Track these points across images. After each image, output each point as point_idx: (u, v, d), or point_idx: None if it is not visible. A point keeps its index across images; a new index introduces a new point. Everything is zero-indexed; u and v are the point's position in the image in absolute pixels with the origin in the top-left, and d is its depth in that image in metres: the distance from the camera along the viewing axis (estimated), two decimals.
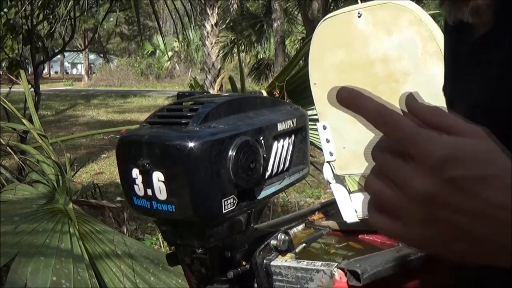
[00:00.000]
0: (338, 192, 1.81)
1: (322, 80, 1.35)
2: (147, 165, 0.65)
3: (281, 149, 0.80)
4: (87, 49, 28.97)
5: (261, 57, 15.39)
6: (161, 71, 30.46)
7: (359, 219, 1.74)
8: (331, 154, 1.84)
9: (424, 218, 0.39)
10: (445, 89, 0.72)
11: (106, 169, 7.03)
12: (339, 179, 1.84)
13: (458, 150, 0.39)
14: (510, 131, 0.53)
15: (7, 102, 2.54)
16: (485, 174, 0.38)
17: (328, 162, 1.83)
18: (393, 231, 0.42)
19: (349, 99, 0.43)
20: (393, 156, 0.41)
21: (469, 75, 0.62)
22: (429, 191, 0.38)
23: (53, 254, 1.63)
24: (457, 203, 0.38)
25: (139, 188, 0.68)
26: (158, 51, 30.79)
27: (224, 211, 0.68)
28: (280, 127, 0.78)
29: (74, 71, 44.50)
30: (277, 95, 2.79)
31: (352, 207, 1.79)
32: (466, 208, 0.38)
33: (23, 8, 3.87)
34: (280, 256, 0.86)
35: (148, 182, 0.66)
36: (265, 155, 0.74)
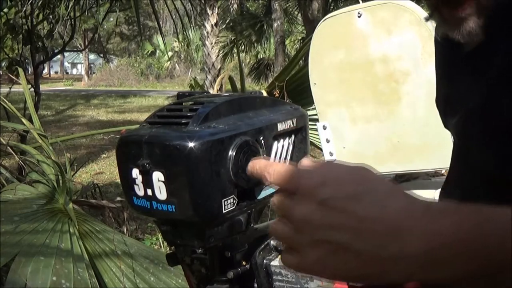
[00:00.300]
0: None
1: (322, 80, 1.35)
2: (147, 165, 0.65)
3: (281, 149, 0.80)
4: (87, 49, 28.99)
5: (261, 57, 15.39)
6: (161, 71, 30.46)
7: None
8: (331, 154, 1.84)
9: (309, 243, 0.42)
10: (438, 101, 0.72)
11: (106, 169, 7.03)
12: None
13: (328, 176, 0.43)
14: (507, 135, 0.53)
15: (7, 102, 2.54)
16: (355, 192, 0.41)
17: None
18: (295, 264, 0.44)
19: (250, 170, 0.51)
20: (283, 198, 0.45)
21: (465, 83, 0.62)
22: (305, 215, 0.42)
23: (53, 254, 1.63)
24: (330, 221, 0.40)
25: (139, 188, 0.68)
26: (158, 51, 30.78)
27: (224, 211, 0.68)
28: (280, 127, 0.78)
29: (74, 71, 44.50)
30: (277, 95, 2.80)
31: None
32: (340, 225, 0.40)
33: (23, 8, 3.87)
34: (280, 256, 0.86)
35: (148, 182, 0.66)
36: (265, 155, 0.74)
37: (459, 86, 0.63)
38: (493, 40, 0.56)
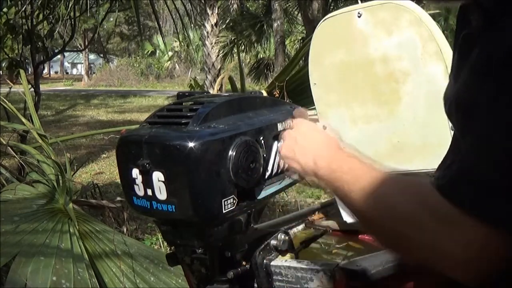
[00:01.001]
0: None
1: (322, 80, 1.35)
2: (147, 165, 0.65)
3: None
4: (87, 49, 28.97)
5: (261, 57, 15.37)
6: (161, 71, 30.43)
7: None
8: None
9: (288, 140, 0.80)
10: (450, 75, 0.72)
11: (106, 169, 7.03)
12: None
13: (296, 125, 0.82)
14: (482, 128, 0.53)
15: (7, 102, 2.54)
16: (304, 132, 0.81)
17: None
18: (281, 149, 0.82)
19: None
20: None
21: (457, 67, 0.62)
22: (289, 132, 0.82)
23: (53, 254, 1.63)
24: (295, 138, 0.79)
25: (139, 188, 0.68)
26: (158, 51, 30.75)
27: (224, 211, 0.68)
28: (280, 127, 0.78)
29: (74, 71, 44.46)
30: (277, 95, 2.80)
31: None
32: (299, 137, 0.79)
33: (23, 8, 3.87)
34: (280, 256, 0.86)
35: (148, 182, 0.66)
36: (265, 155, 0.74)
37: (455, 70, 0.63)
38: (484, 28, 0.56)
